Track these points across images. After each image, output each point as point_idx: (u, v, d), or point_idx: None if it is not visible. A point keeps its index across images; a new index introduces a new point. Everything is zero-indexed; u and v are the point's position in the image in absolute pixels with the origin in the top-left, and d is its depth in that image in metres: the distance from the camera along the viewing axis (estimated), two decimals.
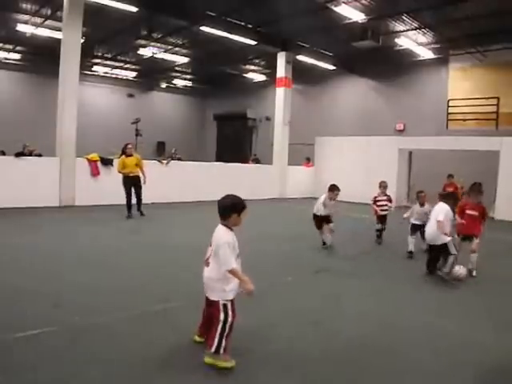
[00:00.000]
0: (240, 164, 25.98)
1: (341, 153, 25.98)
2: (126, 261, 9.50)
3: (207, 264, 5.01)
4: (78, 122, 17.86)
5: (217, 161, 31.81)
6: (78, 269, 8.59)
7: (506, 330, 6.41)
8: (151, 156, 28.66)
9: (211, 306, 5.02)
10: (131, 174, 15.62)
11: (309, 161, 27.91)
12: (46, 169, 17.06)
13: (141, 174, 15.80)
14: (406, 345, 5.76)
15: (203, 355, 4.95)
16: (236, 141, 36.37)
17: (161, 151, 35.09)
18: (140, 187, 15.84)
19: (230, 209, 5.03)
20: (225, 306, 4.89)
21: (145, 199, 16.25)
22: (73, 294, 7.05)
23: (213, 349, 4.83)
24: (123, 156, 15.80)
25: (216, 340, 4.83)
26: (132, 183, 15.66)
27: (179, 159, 23.89)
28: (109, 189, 17.02)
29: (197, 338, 5.39)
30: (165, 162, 20.61)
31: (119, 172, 15.76)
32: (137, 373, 4.75)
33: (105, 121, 33.60)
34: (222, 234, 4.94)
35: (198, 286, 5.30)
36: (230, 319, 4.87)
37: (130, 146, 15.92)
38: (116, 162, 16.88)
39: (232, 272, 4.78)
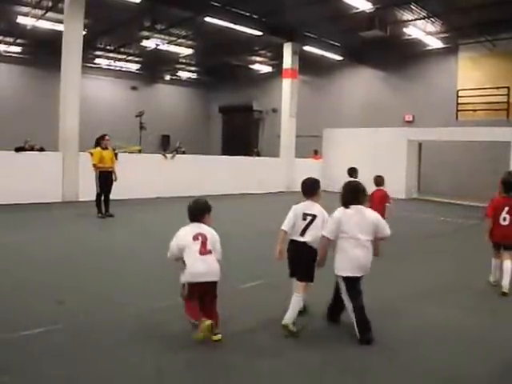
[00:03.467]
0: (246, 157, 25.69)
1: (349, 145, 25.60)
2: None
3: (209, 252, 5.53)
4: (81, 116, 17.57)
5: (222, 154, 31.58)
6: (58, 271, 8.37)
7: None
8: (156, 150, 28.40)
9: (214, 287, 5.56)
10: (109, 169, 14.43)
11: (316, 153, 27.57)
12: (48, 164, 16.78)
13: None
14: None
15: (213, 337, 5.35)
16: (242, 133, 36.10)
17: (165, 145, 34.75)
18: (112, 184, 14.58)
19: (209, 209, 5.87)
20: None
21: (150, 193, 15.94)
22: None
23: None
24: (98, 148, 14.37)
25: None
26: (109, 179, 14.46)
27: (183, 153, 23.56)
28: (115, 183, 16.57)
29: (214, 337, 5.45)
30: (169, 156, 20.28)
31: (95, 166, 14.27)
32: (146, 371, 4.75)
33: (108, 114, 33.16)
34: (213, 230, 5.71)
35: None
36: None
37: (107, 138, 14.55)
38: (87, 153, 15.28)
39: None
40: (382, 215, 10.44)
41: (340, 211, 5.96)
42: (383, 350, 5.43)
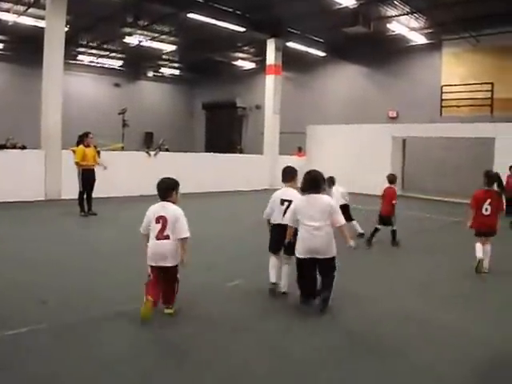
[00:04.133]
0: (230, 154, 25.60)
1: (333, 141, 25.54)
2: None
3: (166, 237, 6.01)
4: (63, 113, 17.38)
5: (206, 151, 31.47)
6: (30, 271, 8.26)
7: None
8: (139, 147, 28.25)
9: (168, 271, 6.06)
10: (92, 167, 14.26)
11: (300, 150, 27.49)
12: (30, 162, 16.58)
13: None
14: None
15: (165, 310, 6.11)
16: (225, 130, 36.00)
17: (149, 142, 34.58)
18: (95, 182, 14.36)
19: (173, 187, 6.40)
20: (178, 268, 6.14)
21: (133, 191, 15.82)
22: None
23: (174, 301, 6.14)
24: (81, 146, 14.14)
25: (175, 296, 6.15)
26: (92, 178, 14.27)
27: (167, 150, 23.42)
28: (98, 181, 16.37)
29: (166, 310, 6.19)
30: (152, 153, 20.15)
31: (78, 164, 14.07)
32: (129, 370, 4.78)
33: (91, 111, 32.83)
34: (176, 208, 6.18)
35: None
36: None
37: (91, 136, 14.33)
38: (70, 151, 15.06)
39: (186, 240, 6.08)
40: (391, 212, 11.31)
41: (297, 200, 6.77)
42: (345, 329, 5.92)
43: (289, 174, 7.39)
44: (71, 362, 4.84)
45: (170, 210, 6.11)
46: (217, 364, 4.95)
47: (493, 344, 5.71)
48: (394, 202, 11.34)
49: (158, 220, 6.04)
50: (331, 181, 11.46)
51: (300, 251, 6.56)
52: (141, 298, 5.92)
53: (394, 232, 11.43)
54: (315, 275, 6.65)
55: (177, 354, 5.26)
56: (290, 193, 7.13)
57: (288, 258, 7.10)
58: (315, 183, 6.70)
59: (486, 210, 8.97)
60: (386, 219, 11.40)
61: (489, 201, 8.98)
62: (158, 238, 6.00)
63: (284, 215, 6.99)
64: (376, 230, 11.38)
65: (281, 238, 6.94)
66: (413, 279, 8.55)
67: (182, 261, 6.06)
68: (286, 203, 7.02)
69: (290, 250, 6.83)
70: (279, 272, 7.21)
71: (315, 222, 6.46)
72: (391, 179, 11.83)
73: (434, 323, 6.27)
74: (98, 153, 14.92)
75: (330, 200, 6.74)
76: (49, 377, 4.55)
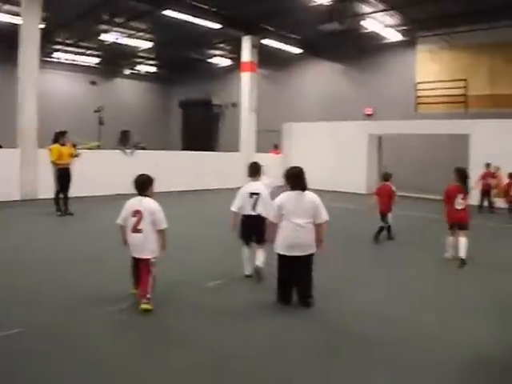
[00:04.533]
0: (206, 152, 25.58)
1: (309, 139, 25.66)
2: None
3: (139, 231, 6.41)
4: (39, 112, 17.25)
5: (183, 149, 31.38)
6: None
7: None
8: (115, 145, 28.11)
9: (142, 262, 6.44)
10: (68, 166, 14.16)
11: (277, 148, 27.55)
12: (5, 161, 16.44)
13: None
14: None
15: (141, 305, 6.24)
16: (202, 128, 35.85)
17: (125, 140, 34.35)
18: (71, 181, 14.26)
19: (149, 182, 6.80)
20: (153, 262, 6.45)
21: (109, 190, 15.78)
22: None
23: (149, 296, 6.29)
24: (57, 144, 14.06)
25: (150, 290, 6.31)
26: (68, 176, 14.18)
27: (143, 148, 23.34)
28: (74, 181, 16.26)
29: (133, 290, 6.69)
30: (129, 151, 20.09)
31: (53, 163, 14.01)
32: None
33: (67, 109, 32.53)
34: (153, 202, 6.59)
35: None
36: (154, 273, 6.44)
37: (67, 135, 14.28)
38: (46, 150, 14.79)
39: (164, 231, 6.55)
40: (388, 209, 11.70)
41: (282, 197, 6.78)
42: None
43: (254, 170, 8.21)
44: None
45: (146, 204, 6.52)
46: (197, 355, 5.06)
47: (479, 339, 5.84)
48: (392, 200, 11.80)
49: (134, 214, 6.47)
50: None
51: (282, 248, 6.69)
52: (114, 299, 5.95)
53: (388, 228, 11.86)
54: (293, 275, 6.76)
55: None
56: (257, 186, 8.01)
57: (260, 247, 7.80)
58: (300, 179, 6.80)
59: (459, 204, 9.58)
60: (383, 216, 11.77)
61: (461, 195, 9.59)
62: (132, 231, 6.46)
63: (254, 207, 7.82)
64: (381, 228, 11.77)
65: (251, 228, 7.85)
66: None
67: (164, 248, 6.61)
68: (255, 196, 7.86)
69: (263, 240, 7.53)
70: (252, 264, 7.86)
71: (300, 220, 6.59)
72: (386, 177, 12.23)
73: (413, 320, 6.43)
74: (77, 155, 14.70)
75: (314, 196, 6.80)
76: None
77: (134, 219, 6.44)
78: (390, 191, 11.84)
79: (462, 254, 9.41)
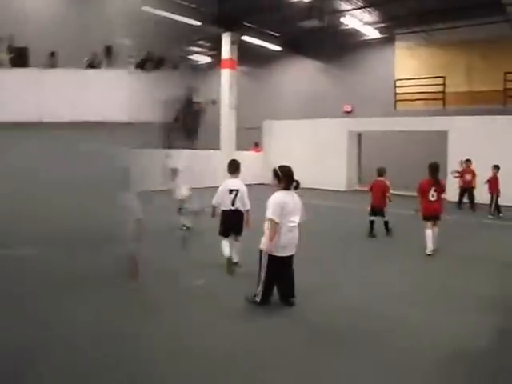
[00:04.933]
0: (186, 150, 25.43)
1: (289, 136, 25.63)
2: None
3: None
4: None
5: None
6: None
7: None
8: None
9: None
10: None
11: (257, 145, 27.49)
12: None
13: None
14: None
15: None
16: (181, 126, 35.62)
17: None
18: None
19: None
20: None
21: None
22: None
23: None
24: None
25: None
26: None
27: None
28: None
29: None
30: None
31: None
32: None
33: None
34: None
35: None
36: None
37: None
38: None
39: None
40: (382, 204, 12.00)
41: (279, 196, 6.56)
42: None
43: (234, 167, 8.70)
44: None
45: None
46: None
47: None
48: (387, 194, 12.08)
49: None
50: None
51: (281, 249, 6.52)
52: None
53: (386, 223, 12.13)
54: (282, 276, 6.70)
55: None
56: (236, 183, 8.49)
57: (237, 240, 8.50)
58: (293, 178, 6.72)
59: (433, 196, 10.15)
60: (378, 210, 12.09)
61: (433, 188, 10.15)
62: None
63: (233, 203, 8.29)
64: (371, 222, 12.07)
65: (230, 223, 8.35)
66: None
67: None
68: (234, 192, 8.33)
69: (242, 229, 8.40)
70: (231, 248, 8.39)
71: (295, 219, 6.59)
72: (380, 172, 12.48)
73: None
74: None
75: (296, 196, 6.73)
76: None
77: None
78: (383, 186, 12.14)
79: (435, 244, 10.11)
